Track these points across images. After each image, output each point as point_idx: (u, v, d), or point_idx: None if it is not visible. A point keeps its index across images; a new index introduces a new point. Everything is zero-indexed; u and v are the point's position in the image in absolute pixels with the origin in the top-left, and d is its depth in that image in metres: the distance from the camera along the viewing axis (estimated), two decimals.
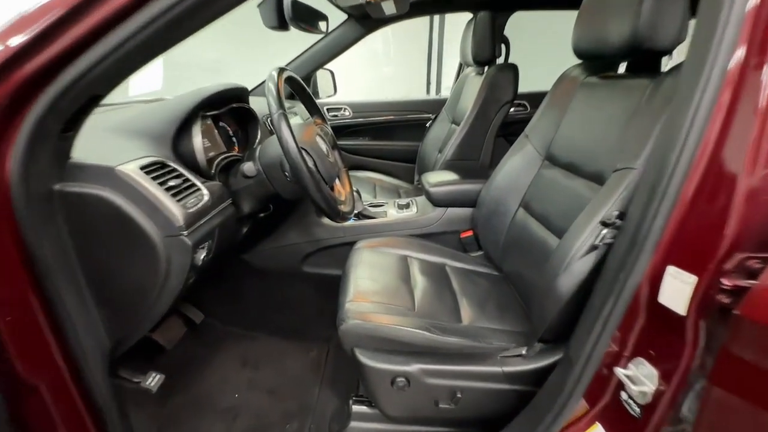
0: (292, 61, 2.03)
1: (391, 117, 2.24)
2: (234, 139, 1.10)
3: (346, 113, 2.26)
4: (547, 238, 1.02)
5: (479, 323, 0.99)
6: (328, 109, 2.27)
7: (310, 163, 0.83)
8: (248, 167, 0.88)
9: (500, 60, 1.81)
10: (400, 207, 1.47)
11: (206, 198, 0.75)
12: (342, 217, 0.91)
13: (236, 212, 0.89)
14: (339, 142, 2.44)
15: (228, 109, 1.03)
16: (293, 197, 0.92)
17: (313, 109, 1.08)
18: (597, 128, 0.95)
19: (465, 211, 1.42)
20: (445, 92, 3.47)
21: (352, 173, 2.16)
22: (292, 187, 0.86)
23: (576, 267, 0.74)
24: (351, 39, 1.96)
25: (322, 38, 1.99)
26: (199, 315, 1.32)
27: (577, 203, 0.93)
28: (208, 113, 0.96)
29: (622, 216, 0.68)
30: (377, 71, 3.79)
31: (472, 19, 1.72)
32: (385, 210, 1.46)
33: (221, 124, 1.04)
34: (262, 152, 0.88)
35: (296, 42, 2.02)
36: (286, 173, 0.82)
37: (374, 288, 1.04)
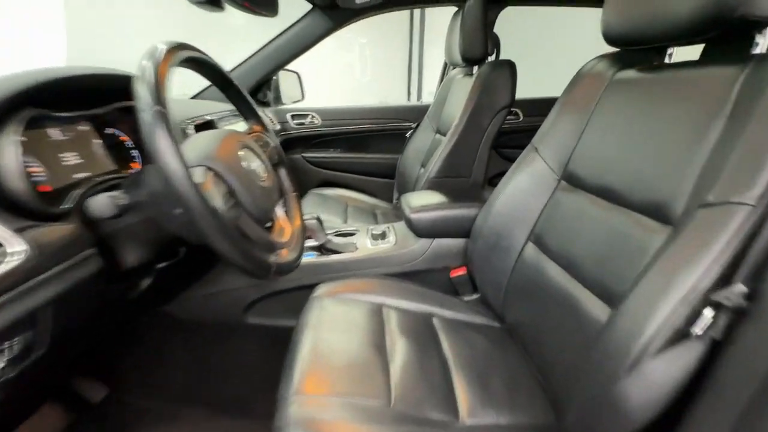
0: (248, 59, 1.72)
1: (366, 126, 1.95)
2: (135, 153, 0.77)
3: (315, 121, 1.96)
4: (572, 288, 0.73)
5: (483, 417, 0.68)
6: (292, 116, 1.96)
7: (219, 193, 0.51)
8: (99, 203, 0.54)
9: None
10: (375, 237, 1.16)
11: (19, 258, 0.42)
12: (277, 271, 0.60)
13: (109, 267, 0.56)
14: (305, 155, 2.13)
15: (116, 108, 0.71)
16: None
17: (247, 111, 0.76)
18: (648, 139, 0.67)
19: (456, 243, 1.12)
20: (428, 98, 3.23)
21: (319, 191, 1.84)
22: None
23: (653, 369, 0.45)
24: (317, 33, 1.66)
25: (282, 33, 1.69)
26: (99, 391, 0.97)
27: (622, 245, 0.65)
28: (78, 114, 0.64)
29: (752, 294, 0.40)
30: (352, 81, 3.52)
31: (458, 11, 1.46)
32: (355, 242, 1.15)
33: (108, 130, 0.71)
34: (148, 175, 0.56)
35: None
36: (178, 210, 0.50)
37: (333, 366, 0.72)
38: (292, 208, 0.79)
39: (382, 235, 1.16)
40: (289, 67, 1.83)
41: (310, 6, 1.61)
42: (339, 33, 1.78)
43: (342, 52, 3.36)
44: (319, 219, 1.09)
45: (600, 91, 0.83)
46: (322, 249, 1.10)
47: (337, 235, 1.20)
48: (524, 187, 0.94)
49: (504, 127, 1.70)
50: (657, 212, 0.61)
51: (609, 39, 0.77)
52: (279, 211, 0.74)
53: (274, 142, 0.78)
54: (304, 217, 1.10)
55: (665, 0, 0.61)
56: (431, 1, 1.69)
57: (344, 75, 3.45)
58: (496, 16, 1.65)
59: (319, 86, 2.23)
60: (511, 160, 1.96)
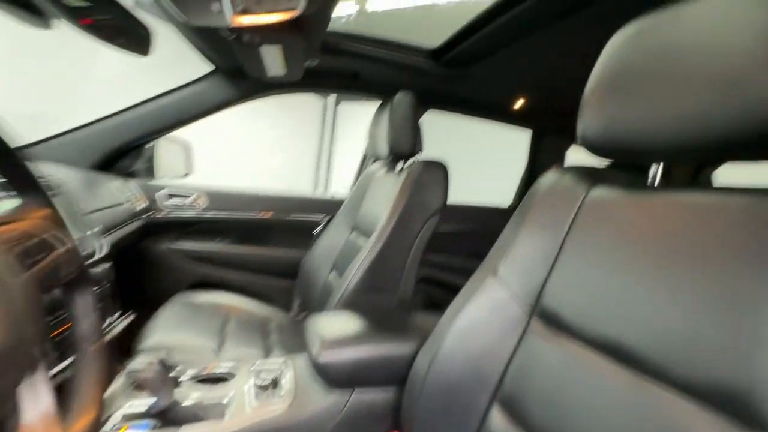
0: (113, 115, 1.31)
1: (266, 215, 1.60)
2: None
3: (199, 202, 1.54)
4: None
5: None
6: (170, 195, 1.52)
7: None
8: None
9: None
10: (261, 387, 0.75)
11: None
12: None
13: None
14: (177, 245, 1.64)
15: None
16: None
17: (21, 182, 0.38)
18: (674, 285, 0.46)
19: (385, 397, 0.78)
20: (338, 190, 3.06)
21: (190, 297, 1.35)
22: None
23: None
24: (216, 101, 1.36)
25: (170, 92, 1.35)
26: None
27: None
28: None
29: None
30: (255, 164, 3.22)
31: (383, 104, 1.33)
32: (225, 397, 0.72)
33: None
34: None
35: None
36: None
37: None
38: (84, 381, 0.38)
39: (273, 384, 0.76)
40: (177, 135, 1.47)
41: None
42: (247, 110, 1.52)
43: (247, 131, 3.10)
44: (164, 363, 0.65)
45: (572, 212, 0.66)
46: (165, 417, 0.64)
47: (198, 382, 0.76)
48: (481, 322, 0.68)
49: None
50: (717, 399, 0.38)
51: (588, 146, 0.62)
52: (36, 401, 0.32)
53: (69, 242, 0.40)
54: (138, 364, 0.65)
55: (676, 102, 0.47)
56: (355, 90, 1.58)
57: (247, 155, 3.15)
58: (419, 118, 1.59)
59: (212, 165, 1.88)
60: (431, 265, 1.72)
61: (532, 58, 1.21)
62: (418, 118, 1.50)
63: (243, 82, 1.35)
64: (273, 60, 1.06)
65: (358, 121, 3.57)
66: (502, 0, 0.99)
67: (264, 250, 1.62)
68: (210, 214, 1.54)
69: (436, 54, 1.32)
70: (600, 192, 0.64)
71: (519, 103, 1.57)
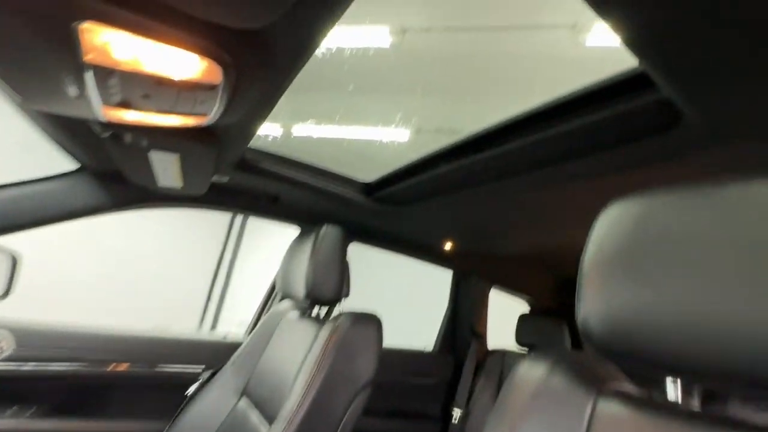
0: None
1: (118, 368, 1.12)
2: None
3: (0, 346, 1.02)
4: None
5: None
6: None
7: None
8: None
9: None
10: None
11: None
12: None
13: None
14: None
15: None
16: None
17: None
18: None
19: None
20: (230, 330, 2.52)
21: None
22: None
23: None
24: (77, 206, 1.00)
25: (14, 185, 0.97)
26: None
27: None
28: None
29: None
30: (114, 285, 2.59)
31: (304, 233, 1.13)
32: None
33: None
34: None
35: None
36: None
37: None
38: None
39: None
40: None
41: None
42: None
43: (111, 235, 2.54)
44: None
45: (581, 423, 0.47)
46: None
47: None
48: None
49: None
50: None
51: (592, 342, 0.46)
52: None
53: None
54: None
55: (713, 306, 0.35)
56: (266, 212, 1.36)
57: (110, 272, 2.51)
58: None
59: (45, 286, 1.36)
60: None
61: (464, 207, 1.18)
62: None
63: (121, 188, 1.04)
64: (166, 169, 0.81)
65: (269, 235, 3.27)
66: (443, 150, 0.95)
67: (98, 424, 1.07)
68: (12, 369, 1.01)
69: (368, 189, 1.21)
70: (611, 407, 0.46)
71: (445, 244, 1.52)
